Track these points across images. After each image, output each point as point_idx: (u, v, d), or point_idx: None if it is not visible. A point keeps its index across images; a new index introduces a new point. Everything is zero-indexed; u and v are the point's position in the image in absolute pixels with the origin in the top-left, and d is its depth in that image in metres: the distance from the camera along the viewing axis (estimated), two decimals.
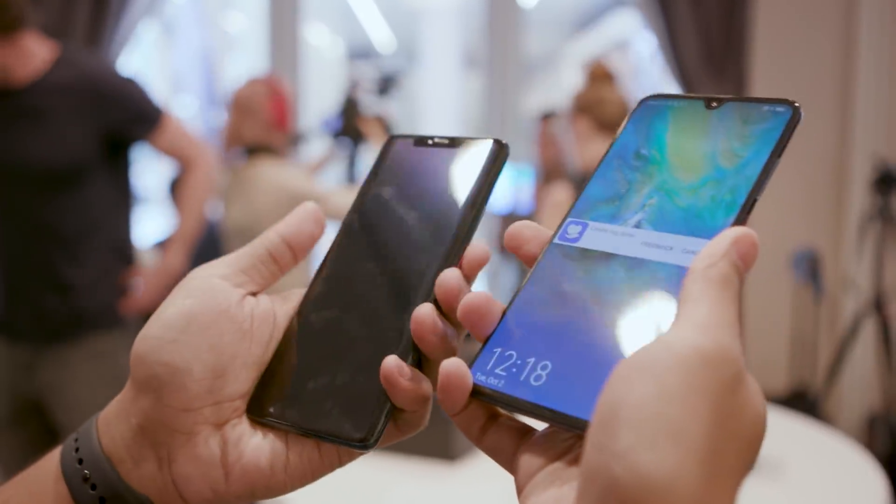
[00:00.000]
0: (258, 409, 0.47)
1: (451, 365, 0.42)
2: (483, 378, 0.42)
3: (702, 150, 0.45)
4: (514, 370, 0.42)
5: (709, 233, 0.42)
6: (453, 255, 0.48)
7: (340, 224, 0.52)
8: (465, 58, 5.15)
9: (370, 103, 3.21)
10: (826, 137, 3.71)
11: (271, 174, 2.65)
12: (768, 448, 1.67)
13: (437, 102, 5.23)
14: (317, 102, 4.34)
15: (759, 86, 3.65)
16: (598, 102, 2.51)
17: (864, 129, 3.62)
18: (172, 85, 5.26)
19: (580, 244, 0.45)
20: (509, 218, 3.97)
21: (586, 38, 5.57)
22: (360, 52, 5.92)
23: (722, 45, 3.58)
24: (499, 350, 0.43)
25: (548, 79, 5.35)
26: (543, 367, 0.41)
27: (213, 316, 0.45)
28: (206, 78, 5.20)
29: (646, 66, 4.55)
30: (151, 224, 4.74)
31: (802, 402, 3.47)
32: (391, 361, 0.44)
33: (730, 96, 0.47)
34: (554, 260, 0.45)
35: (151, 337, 0.45)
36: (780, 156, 0.44)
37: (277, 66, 4.00)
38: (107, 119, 2.06)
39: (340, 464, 0.47)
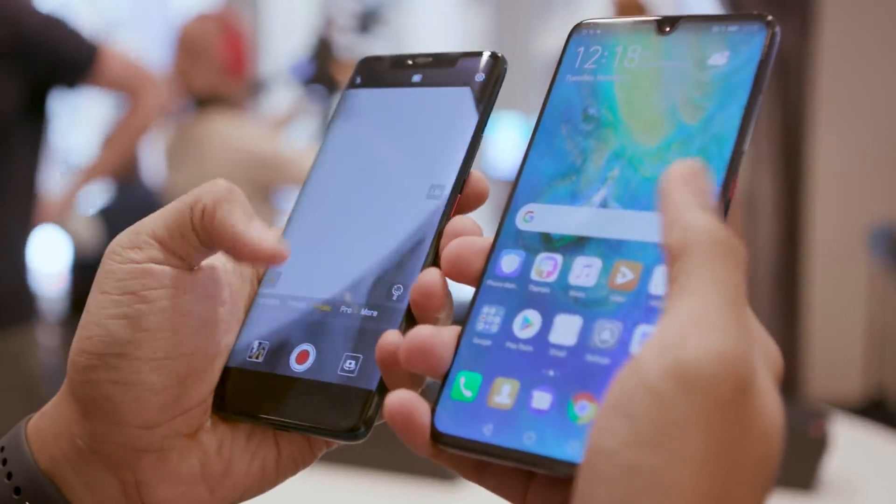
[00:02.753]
0: (226, 403, 0.48)
1: (398, 403, 0.41)
2: (448, 423, 0.42)
3: (662, 99, 0.44)
4: (484, 410, 0.41)
5: None
6: (452, 199, 0.49)
7: (308, 174, 0.53)
8: None
9: (348, 44, 3.19)
10: None
11: (225, 132, 2.63)
12: (838, 466, 1.67)
13: (431, 44, 5.21)
14: (283, 43, 4.32)
15: (829, 25, 3.63)
16: None
17: None
18: (107, 20, 5.23)
19: (542, 229, 0.44)
20: None
21: None
22: None
23: None
24: (462, 383, 0.42)
25: (566, 15, 5.33)
26: (522, 401, 0.41)
27: (160, 315, 0.45)
28: (148, 12, 5.17)
29: (692, 2, 4.53)
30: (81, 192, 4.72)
31: (881, 411, 3.48)
32: (391, 340, 0.43)
33: (685, 14, 0.45)
34: (513, 255, 0.45)
35: (92, 351, 0.44)
36: (762, 91, 0.42)
37: None
38: (30, 69, 2.06)
39: (328, 447, 0.49)
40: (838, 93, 3.68)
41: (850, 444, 1.83)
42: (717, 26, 0.44)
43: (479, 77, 0.51)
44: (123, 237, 0.46)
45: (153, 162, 3.67)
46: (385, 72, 0.55)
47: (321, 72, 3.12)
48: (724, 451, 0.32)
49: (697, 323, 0.33)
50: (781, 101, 3.59)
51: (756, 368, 0.34)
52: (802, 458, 1.58)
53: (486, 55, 0.52)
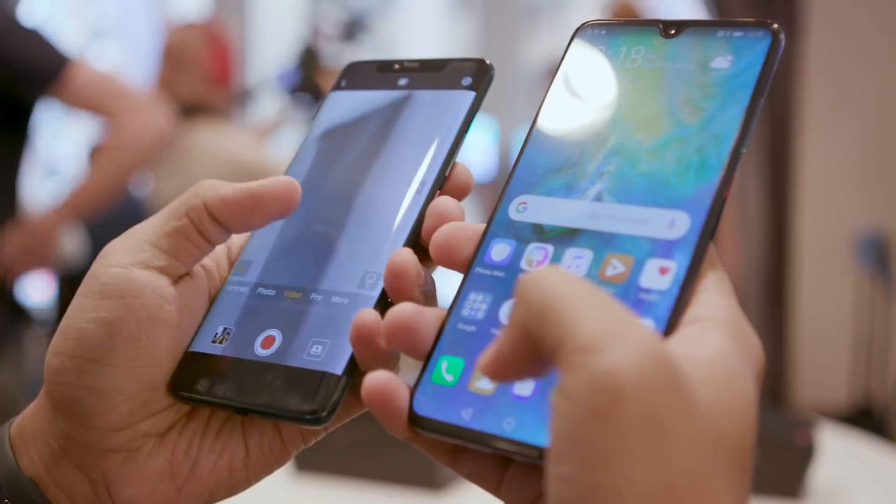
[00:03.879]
0: (184, 386, 0.47)
1: (376, 385, 0.41)
2: (427, 406, 0.42)
3: (663, 98, 0.45)
4: (465, 394, 0.41)
5: (691, 201, 0.42)
6: (432, 193, 0.50)
7: (287, 167, 0.54)
8: None
9: (334, 53, 3.19)
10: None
11: (211, 141, 2.63)
12: (826, 474, 1.67)
13: (418, 52, 5.21)
14: (269, 52, 4.31)
15: (817, 31, 3.64)
16: None
17: None
18: (92, 29, 5.22)
19: (535, 220, 0.45)
20: (495, 184, 3.94)
21: None
22: None
23: None
24: (444, 367, 0.42)
25: (556, 23, 5.34)
26: (504, 386, 0.40)
27: (141, 322, 0.45)
28: (134, 21, 5.17)
29: (680, 9, 4.55)
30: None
31: (868, 419, 3.48)
32: (368, 317, 0.43)
33: (690, 19, 0.46)
34: (503, 244, 0.45)
35: (66, 353, 0.45)
36: (763, 95, 0.43)
37: (222, 7, 3.97)
38: None
39: (305, 443, 0.49)
40: (826, 99, 3.69)
41: (838, 452, 1.84)
42: (722, 31, 0.45)
43: (466, 81, 0.52)
44: (116, 241, 0.47)
45: (139, 172, 3.66)
46: (371, 75, 0.56)
47: (307, 80, 3.12)
48: (677, 441, 0.32)
49: (594, 332, 0.33)
50: (768, 108, 3.60)
51: (664, 343, 0.35)
52: (789, 466, 1.58)
53: (473, 61, 0.53)
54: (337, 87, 0.56)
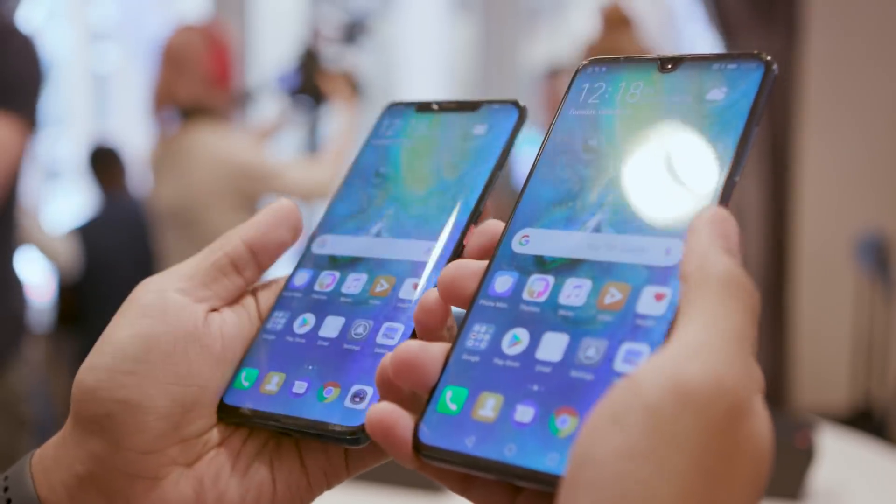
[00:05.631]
0: (231, 407, 0.49)
1: (378, 416, 0.42)
2: (431, 435, 0.42)
3: (661, 131, 0.46)
4: (468, 422, 0.42)
5: (686, 229, 0.43)
6: (463, 236, 0.52)
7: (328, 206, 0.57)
8: None
9: (334, 55, 3.19)
10: (895, 100, 3.71)
11: (210, 143, 2.63)
12: (826, 476, 1.67)
13: (418, 54, 5.21)
14: (269, 54, 4.32)
15: (816, 35, 3.64)
16: (612, 53, 2.50)
17: None
18: (91, 31, 5.23)
19: (536, 252, 0.46)
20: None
21: None
22: None
23: None
24: (448, 397, 0.43)
25: (555, 25, 5.34)
26: (505, 414, 0.42)
27: (177, 339, 0.46)
28: (133, 23, 5.17)
29: (679, 12, 4.55)
30: (66, 204, 4.71)
31: (868, 421, 3.48)
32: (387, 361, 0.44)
33: (686, 55, 0.48)
34: (506, 276, 0.46)
35: (101, 367, 0.45)
36: (756, 125, 0.44)
37: (221, 9, 3.97)
38: None
39: (328, 486, 0.50)
40: (825, 103, 3.69)
41: (837, 454, 1.84)
42: (717, 64, 0.46)
43: (502, 124, 0.55)
44: (154, 276, 0.49)
45: (139, 174, 3.66)
46: (410, 117, 0.58)
47: (307, 82, 3.11)
48: (710, 471, 0.33)
49: (701, 348, 0.35)
50: (768, 112, 3.60)
51: (752, 397, 0.35)
52: (790, 468, 1.58)
53: (510, 105, 0.55)
54: (374, 134, 0.59)
